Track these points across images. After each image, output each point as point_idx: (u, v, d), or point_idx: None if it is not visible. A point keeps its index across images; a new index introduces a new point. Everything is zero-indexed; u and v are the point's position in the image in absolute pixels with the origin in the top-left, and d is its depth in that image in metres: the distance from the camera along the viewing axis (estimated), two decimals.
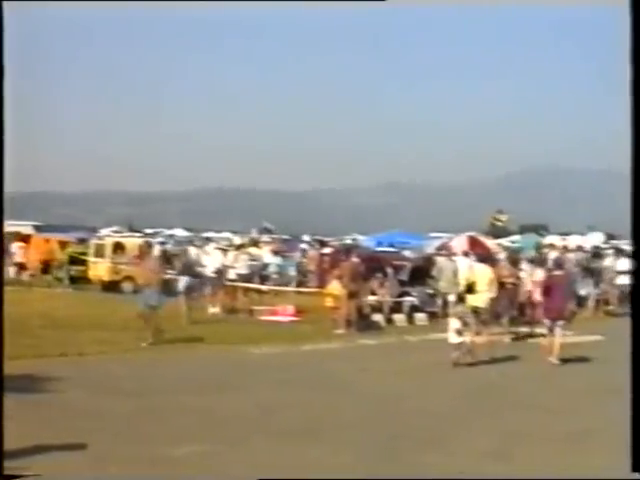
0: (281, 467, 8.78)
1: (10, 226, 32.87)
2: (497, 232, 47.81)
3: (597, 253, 33.81)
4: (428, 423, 11.36)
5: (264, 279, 30.58)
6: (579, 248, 35.01)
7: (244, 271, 26.96)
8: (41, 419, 10.46)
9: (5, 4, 7.47)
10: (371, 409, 12.28)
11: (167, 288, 25.26)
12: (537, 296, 20.40)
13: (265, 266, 32.17)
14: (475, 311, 18.87)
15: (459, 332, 16.76)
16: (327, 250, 34.98)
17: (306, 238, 47.27)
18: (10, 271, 33.96)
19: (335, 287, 22.88)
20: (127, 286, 30.11)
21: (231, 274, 26.32)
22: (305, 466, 8.85)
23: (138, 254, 23.61)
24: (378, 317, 23.93)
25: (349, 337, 20.99)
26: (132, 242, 32.46)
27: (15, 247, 35.63)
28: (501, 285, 21.58)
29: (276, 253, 34.93)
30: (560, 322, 17.51)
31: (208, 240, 39.91)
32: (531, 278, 22.88)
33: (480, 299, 19.77)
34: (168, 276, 25.48)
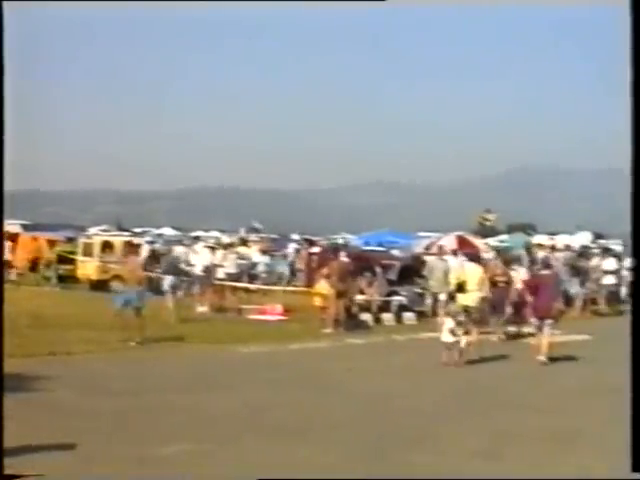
0: (270, 466, 8.77)
1: None
2: (485, 231, 48.04)
3: (585, 253, 33.89)
4: (417, 422, 11.36)
5: (253, 278, 30.64)
6: (567, 247, 35.12)
7: (233, 270, 26.95)
8: (29, 419, 10.43)
9: (5, 4, 7.47)
10: (360, 408, 12.27)
11: (153, 287, 25.36)
12: (524, 295, 20.46)
13: (254, 265, 32.25)
14: (466, 310, 18.89)
15: (452, 331, 16.77)
16: (315, 249, 34.96)
17: (295, 237, 47.29)
18: None
19: (323, 286, 22.88)
20: (116, 285, 30.00)
21: (220, 273, 26.31)
22: (294, 465, 8.85)
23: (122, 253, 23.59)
24: (366, 316, 23.92)
25: (337, 336, 20.99)
26: (121, 241, 32.40)
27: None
28: (493, 284, 21.65)
29: (264, 252, 35.01)
30: (548, 321, 17.57)
31: (197, 239, 39.93)
32: (519, 277, 22.92)
33: (470, 298, 19.80)
34: (154, 275, 25.53)
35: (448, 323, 17.03)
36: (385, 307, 24.96)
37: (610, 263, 30.89)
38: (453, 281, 22.15)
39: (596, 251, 34.13)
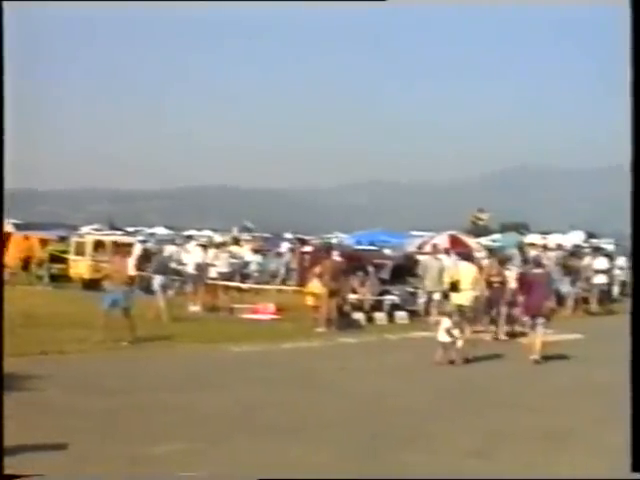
0: (262, 465, 8.78)
1: None
2: (478, 231, 48.08)
3: (577, 252, 33.95)
4: (409, 421, 11.37)
5: (245, 277, 30.66)
6: (559, 247, 35.18)
7: (225, 269, 26.94)
8: (21, 418, 10.41)
9: (5, 4, 7.47)
10: (352, 407, 12.27)
11: (144, 286, 25.35)
12: (517, 294, 20.53)
13: (246, 264, 32.27)
14: (459, 309, 18.92)
15: (449, 331, 16.76)
16: (308, 248, 34.97)
17: (288, 236, 47.30)
18: None
19: (315, 285, 22.87)
20: (106, 284, 29.98)
21: (212, 272, 26.29)
22: (287, 464, 8.85)
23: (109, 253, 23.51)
24: (359, 315, 23.92)
25: (329, 335, 20.99)
26: (113, 240, 32.34)
27: None
28: (489, 285, 21.71)
29: (257, 251, 35.03)
30: (540, 320, 17.59)
31: (189, 238, 39.92)
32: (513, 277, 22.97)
33: (464, 297, 19.83)
34: (145, 274, 25.49)
35: (445, 322, 17.01)
36: (377, 306, 24.96)
37: (601, 262, 30.95)
38: (447, 280, 22.19)
39: (588, 250, 34.22)
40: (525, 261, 27.87)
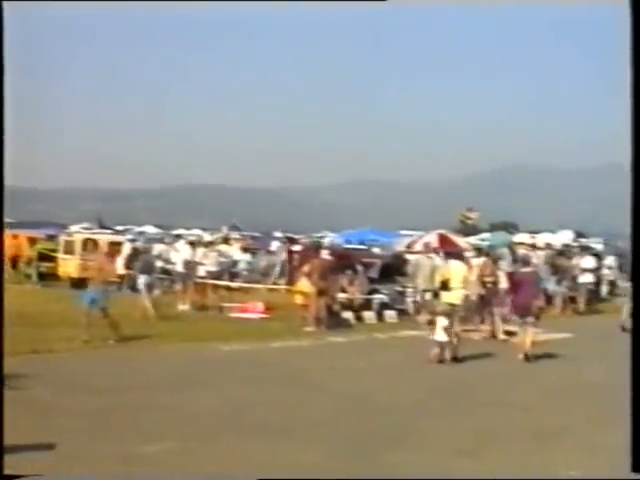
0: (252, 464, 8.78)
1: None
2: (467, 230, 48.09)
3: (565, 251, 34.02)
4: (399, 420, 11.38)
5: (234, 276, 30.63)
6: (548, 246, 35.24)
7: (214, 268, 26.95)
8: (11, 418, 10.37)
9: (5, 4, 7.45)
10: (341, 406, 12.27)
11: (131, 285, 25.33)
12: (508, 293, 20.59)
13: (235, 263, 32.24)
14: (450, 308, 18.93)
15: (446, 330, 16.74)
16: (297, 247, 34.96)
17: (278, 235, 47.30)
18: None
19: (304, 284, 22.88)
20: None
21: (201, 271, 26.29)
22: (276, 463, 8.85)
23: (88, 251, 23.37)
24: (348, 314, 23.91)
25: (318, 334, 20.99)
26: (103, 239, 32.27)
27: None
28: (482, 284, 21.74)
29: (246, 250, 34.99)
30: (529, 319, 17.63)
31: (178, 237, 39.85)
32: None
33: (455, 296, 19.85)
34: (133, 273, 25.48)
35: (442, 322, 16.96)
36: (366, 305, 24.97)
37: (589, 261, 31.03)
38: (438, 279, 22.20)
39: (576, 250, 34.32)
40: (514, 260, 27.93)
